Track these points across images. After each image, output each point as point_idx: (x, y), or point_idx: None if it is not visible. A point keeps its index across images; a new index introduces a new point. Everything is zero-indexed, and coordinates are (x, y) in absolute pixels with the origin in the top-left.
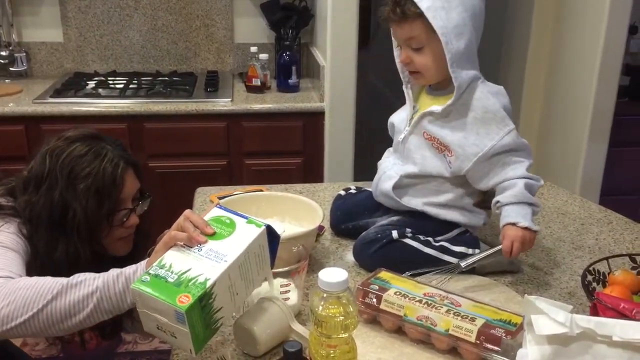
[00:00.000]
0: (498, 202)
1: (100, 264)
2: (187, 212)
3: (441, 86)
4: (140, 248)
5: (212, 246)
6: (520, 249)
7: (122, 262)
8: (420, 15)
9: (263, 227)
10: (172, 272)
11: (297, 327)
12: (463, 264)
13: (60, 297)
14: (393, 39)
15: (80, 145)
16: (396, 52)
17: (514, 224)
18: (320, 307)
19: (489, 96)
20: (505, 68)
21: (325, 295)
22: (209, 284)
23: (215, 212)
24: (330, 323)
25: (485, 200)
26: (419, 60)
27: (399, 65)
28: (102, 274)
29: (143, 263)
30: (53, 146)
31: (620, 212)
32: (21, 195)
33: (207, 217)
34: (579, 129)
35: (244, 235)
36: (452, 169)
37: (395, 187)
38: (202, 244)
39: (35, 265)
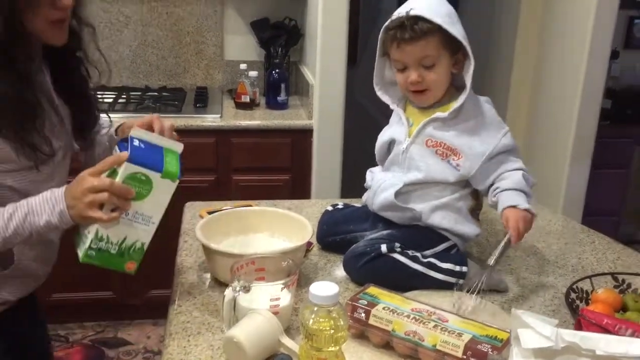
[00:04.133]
0: (497, 188)
1: (30, 49)
2: (94, 180)
3: None
4: (78, 37)
5: (137, 209)
6: (526, 228)
7: (58, 54)
8: (435, 30)
9: (177, 181)
10: (112, 244)
11: (286, 341)
12: (490, 261)
13: None
14: (394, 62)
15: None
16: (378, 77)
17: (514, 207)
18: (311, 320)
19: (482, 103)
20: (489, 90)
21: (316, 308)
22: (145, 247)
23: (130, 167)
24: (320, 336)
25: (476, 207)
26: (431, 78)
27: (399, 88)
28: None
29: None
30: None
31: (601, 232)
32: None
33: (121, 174)
34: (561, 150)
35: (163, 192)
36: (460, 172)
37: (397, 194)
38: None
39: None
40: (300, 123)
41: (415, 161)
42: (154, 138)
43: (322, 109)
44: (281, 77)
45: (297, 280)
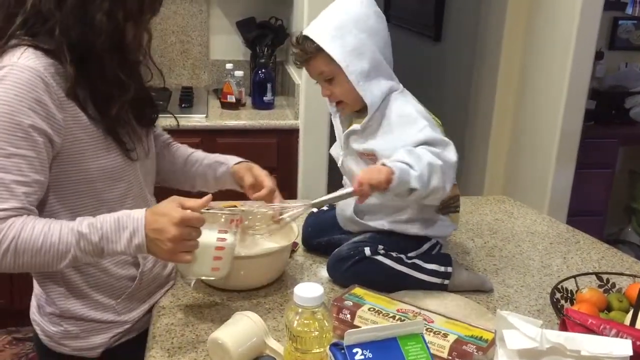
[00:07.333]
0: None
1: None
2: None
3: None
4: None
5: None
6: (370, 185)
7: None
8: (319, 49)
9: None
10: None
11: (272, 342)
12: (313, 201)
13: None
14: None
15: None
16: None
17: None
18: (296, 322)
19: (404, 104)
20: (476, 93)
21: (300, 310)
22: None
23: None
24: (305, 338)
25: (444, 204)
26: (337, 90)
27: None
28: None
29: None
30: None
31: (587, 232)
32: None
33: None
34: (547, 151)
35: None
36: None
37: (356, 210)
38: None
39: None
40: (287, 123)
41: (354, 173)
42: (376, 329)
43: (308, 109)
44: (267, 77)
45: (242, 220)
